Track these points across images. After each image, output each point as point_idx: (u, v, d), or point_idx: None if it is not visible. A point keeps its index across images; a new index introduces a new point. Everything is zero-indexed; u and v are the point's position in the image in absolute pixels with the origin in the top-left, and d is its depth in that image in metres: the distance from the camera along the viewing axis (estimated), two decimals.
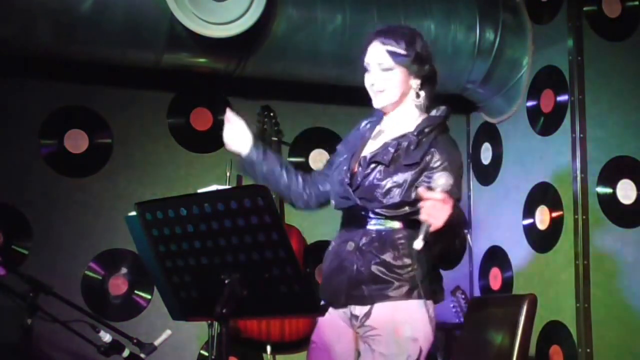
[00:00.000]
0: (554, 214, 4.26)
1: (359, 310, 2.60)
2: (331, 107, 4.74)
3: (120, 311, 4.37)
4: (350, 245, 2.61)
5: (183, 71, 4.36)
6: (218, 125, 4.67)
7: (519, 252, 4.52)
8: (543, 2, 4.44)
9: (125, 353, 2.99)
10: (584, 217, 4.07)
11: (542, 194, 4.37)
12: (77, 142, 4.45)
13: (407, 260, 2.56)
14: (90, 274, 4.39)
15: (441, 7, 4.37)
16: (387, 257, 2.56)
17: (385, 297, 2.55)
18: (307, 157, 4.83)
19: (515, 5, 4.56)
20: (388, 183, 2.56)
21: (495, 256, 4.74)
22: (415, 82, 2.69)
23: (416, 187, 2.52)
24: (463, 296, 4.60)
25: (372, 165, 2.61)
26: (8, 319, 3.21)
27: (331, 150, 4.72)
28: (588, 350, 3.96)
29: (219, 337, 3.66)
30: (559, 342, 4.13)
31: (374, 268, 2.56)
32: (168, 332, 3.18)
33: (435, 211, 2.31)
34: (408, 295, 2.55)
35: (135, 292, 4.44)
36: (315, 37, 4.19)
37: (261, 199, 2.12)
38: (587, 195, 4.10)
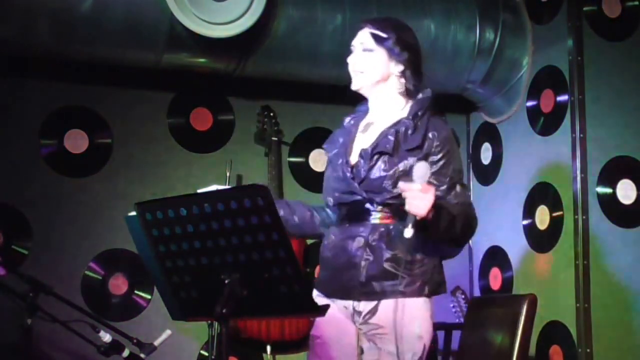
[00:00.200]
0: (554, 214, 4.26)
1: (364, 306, 2.59)
2: (331, 107, 4.73)
3: (120, 311, 4.37)
4: (359, 242, 2.59)
5: (183, 71, 4.36)
6: (218, 125, 4.69)
7: (519, 252, 4.52)
8: (543, 2, 4.44)
9: (125, 353, 2.99)
10: (584, 217, 4.07)
11: (542, 194, 4.37)
12: (77, 142, 4.45)
13: (417, 255, 2.56)
14: (90, 274, 4.39)
15: (441, 7, 4.37)
16: (398, 252, 2.55)
17: (398, 293, 2.54)
18: (307, 157, 4.83)
19: (515, 5, 4.56)
20: (395, 172, 2.56)
21: (495, 256, 4.74)
22: (397, 68, 2.68)
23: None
24: (463, 296, 4.60)
25: (376, 157, 2.61)
26: (8, 319, 3.22)
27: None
28: (588, 350, 3.96)
29: (219, 337, 3.66)
30: (559, 342, 4.13)
31: (385, 264, 2.55)
32: (168, 332, 3.19)
33: (416, 201, 2.36)
34: (419, 291, 2.56)
35: (135, 292, 4.44)
36: (315, 37, 4.19)
37: (261, 199, 2.12)
38: (587, 195, 4.10)
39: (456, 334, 4.17)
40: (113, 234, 4.31)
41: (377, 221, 2.59)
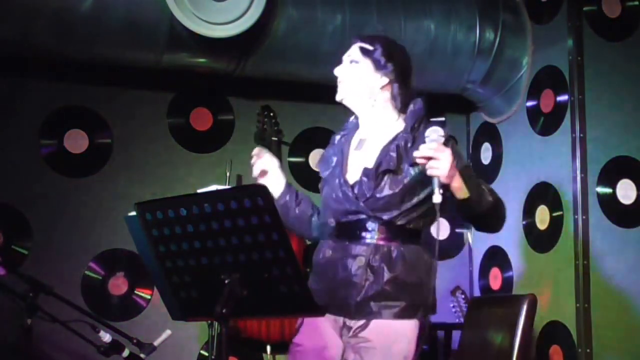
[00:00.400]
0: (554, 214, 4.26)
1: (356, 322, 2.57)
2: (331, 107, 4.71)
3: (120, 311, 4.37)
4: (360, 261, 2.56)
5: (183, 71, 4.36)
6: (218, 125, 4.69)
7: (519, 252, 4.52)
8: (543, 2, 4.44)
9: (125, 353, 2.98)
10: (584, 217, 4.07)
11: (542, 194, 4.37)
12: (77, 142, 4.45)
13: (415, 278, 2.56)
14: (90, 274, 4.39)
15: (441, 7, 4.37)
16: (397, 274, 2.54)
17: (393, 315, 2.52)
18: (307, 157, 4.83)
19: (515, 5, 4.56)
20: (403, 189, 2.55)
21: (495, 256, 4.74)
22: (383, 80, 2.66)
23: (425, 185, 2.52)
24: (463, 296, 4.60)
25: (381, 175, 2.58)
26: (8, 319, 3.21)
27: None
28: (588, 350, 3.96)
29: (219, 337, 3.66)
30: (559, 342, 4.13)
31: (385, 286, 2.53)
32: (168, 332, 3.18)
33: (435, 162, 2.37)
34: (414, 314, 2.55)
35: (135, 292, 4.44)
36: (315, 37, 4.19)
37: (261, 199, 2.12)
38: (587, 195, 4.10)
39: (456, 334, 4.18)
40: (113, 234, 4.31)
41: (375, 241, 2.57)
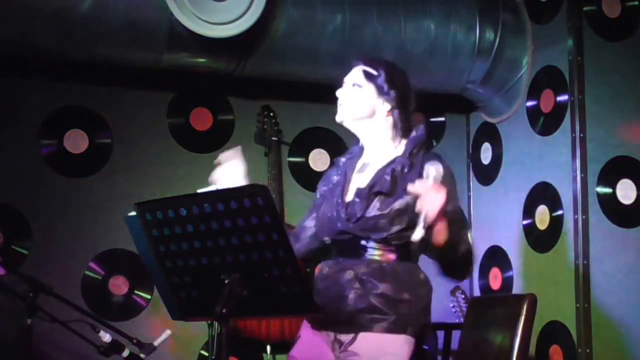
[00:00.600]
0: (554, 214, 4.26)
1: (345, 336, 2.57)
2: (331, 107, 4.72)
3: (120, 311, 4.37)
4: (350, 274, 2.58)
5: (183, 71, 4.36)
6: (218, 125, 4.69)
7: (519, 252, 4.52)
8: (543, 2, 4.44)
9: (125, 353, 2.98)
10: (584, 217, 4.07)
11: (542, 194, 4.37)
12: (77, 142, 4.45)
13: (406, 295, 2.55)
14: (90, 274, 4.39)
15: (441, 7, 4.37)
16: (387, 289, 2.54)
17: (380, 329, 2.52)
18: (307, 157, 4.83)
19: (515, 5, 4.56)
20: (391, 211, 2.54)
21: (495, 256, 4.74)
22: (385, 106, 2.66)
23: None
24: (463, 296, 4.60)
25: (372, 196, 2.59)
26: (8, 319, 3.22)
27: (330, 150, 4.77)
28: (588, 350, 3.96)
29: (219, 337, 3.66)
30: (559, 342, 4.13)
31: (372, 299, 2.53)
32: (168, 332, 3.18)
33: (428, 198, 2.33)
34: (402, 330, 2.53)
35: (135, 292, 4.44)
36: (315, 37, 4.19)
37: (261, 199, 2.12)
38: (587, 195, 4.10)
39: (456, 334, 4.17)
40: (113, 234, 4.31)
41: (371, 257, 2.57)
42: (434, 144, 5.05)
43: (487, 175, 4.89)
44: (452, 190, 2.51)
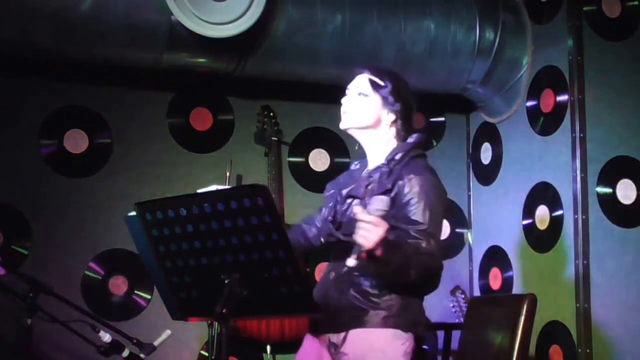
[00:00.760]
0: (554, 214, 4.26)
1: (336, 337, 2.60)
2: (331, 107, 4.72)
3: (120, 311, 4.37)
4: (332, 275, 2.64)
5: (183, 71, 4.36)
6: (218, 125, 4.69)
7: (519, 252, 4.52)
8: (543, 2, 4.44)
9: (125, 353, 2.98)
10: (583, 217, 4.07)
11: (542, 194, 4.37)
12: (76, 142, 4.45)
13: (385, 290, 2.55)
14: (90, 274, 4.39)
15: (441, 7, 4.37)
16: (365, 285, 2.56)
17: (361, 324, 2.54)
18: (306, 157, 4.83)
19: (515, 5, 4.56)
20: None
21: (495, 256, 4.74)
22: (389, 117, 2.70)
23: (392, 217, 2.51)
24: (463, 296, 4.60)
25: (348, 201, 2.64)
26: (8, 319, 3.21)
27: (330, 150, 4.77)
28: (588, 350, 3.96)
29: (219, 337, 3.66)
30: (559, 342, 4.13)
31: (351, 296, 2.56)
32: (168, 332, 3.18)
33: (365, 232, 2.32)
34: (383, 324, 2.53)
35: (135, 292, 4.44)
36: (315, 37, 4.19)
37: (261, 199, 2.12)
38: (587, 195, 4.10)
39: (456, 334, 4.17)
40: (113, 234, 4.31)
41: (361, 258, 2.58)
42: (434, 144, 5.05)
43: (487, 175, 4.89)
44: (428, 198, 2.53)
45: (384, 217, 2.37)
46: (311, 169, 4.80)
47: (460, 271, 4.94)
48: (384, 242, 2.34)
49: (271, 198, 2.14)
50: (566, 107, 4.21)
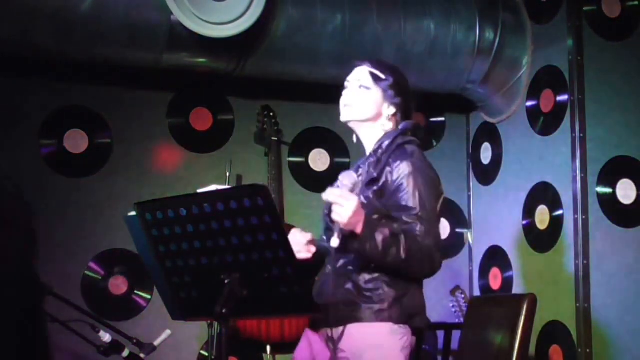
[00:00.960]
0: (554, 214, 4.26)
1: (335, 332, 2.60)
2: (331, 107, 4.72)
3: (120, 311, 4.36)
4: (328, 269, 2.64)
5: (183, 71, 4.36)
6: (218, 125, 4.69)
7: (519, 252, 4.52)
8: (543, 2, 4.44)
9: (125, 353, 2.99)
10: (584, 217, 4.07)
11: (542, 194, 4.37)
12: (76, 142, 4.45)
13: (379, 283, 2.55)
14: (90, 274, 4.39)
15: (441, 7, 4.37)
16: (359, 279, 2.56)
17: (355, 319, 2.54)
18: (306, 157, 4.83)
19: (515, 5, 4.56)
20: None
21: (495, 256, 4.74)
22: (389, 110, 2.70)
23: (388, 206, 2.52)
24: (463, 296, 4.60)
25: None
26: None
27: (330, 150, 4.77)
28: (588, 350, 3.96)
29: (219, 337, 3.66)
30: (559, 342, 4.13)
31: (345, 290, 2.56)
32: (168, 332, 3.19)
33: (337, 208, 2.35)
34: (376, 318, 2.53)
35: (135, 292, 4.44)
36: (315, 37, 4.19)
37: (261, 199, 2.12)
38: (587, 195, 4.10)
39: (456, 334, 4.17)
40: (113, 234, 4.31)
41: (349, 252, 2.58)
42: (434, 144, 5.05)
43: (487, 175, 4.89)
44: (417, 183, 2.51)
45: (369, 205, 2.42)
46: (311, 169, 4.80)
47: (460, 271, 4.94)
48: (365, 220, 2.37)
49: (271, 198, 2.14)
50: (566, 107, 4.21)
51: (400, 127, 2.70)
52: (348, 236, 2.42)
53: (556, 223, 4.24)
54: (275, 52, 4.20)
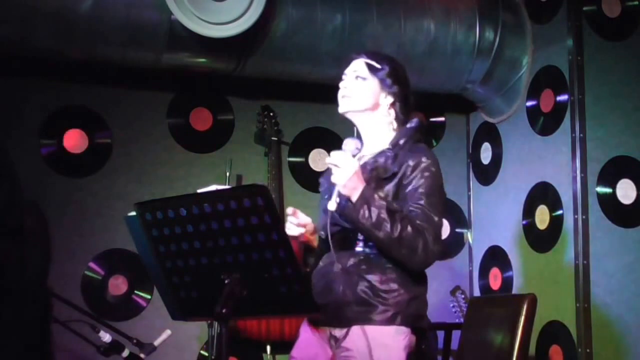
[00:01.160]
0: (554, 214, 4.26)
1: (339, 331, 2.58)
2: (331, 107, 4.71)
3: (120, 311, 4.37)
4: (337, 267, 2.58)
5: (183, 71, 4.36)
6: (218, 125, 4.69)
7: (519, 252, 4.52)
8: (543, 1, 4.44)
9: (125, 353, 2.99)
10: (583, 217, 4.07)
11: (542, 194, 4.37)
12: (76, 142, 4.45)
13: (394, 285, 2.54)
14: (90, 274, 4.39)
15: (441, 7, 4.37)
16: (374, 279, 2.54)
17: (368, 320, 2.52)
18: (306, 157, 4.83)
19: (515, 5, 4.56)
20: None
21: (495, 256, 4.74)
22: (387, 100, 2.70)
23: (400, 198, 2.53)
24: (463, 296, 4.60)
25: None
26: None
27: (330, 149, 4.75)
28: (588, 350, 3.96)
29: (219, 337, 3.66)
30: (559, 342, 4.13)
31: (359, 290, 2.54)
32: (168, 332, 3.19)
33: (337, 169, 2.43)
34: (391, 321, 2.52)
35: (135, 292, 4.44)
36: (315, 37, 4.19)
37: (261, 199, 2.12)
38: (587, 195, 4.10)
39: (456, 334, 4.17)
40: (113, 234, 4.31)
41: (361, 249, 2.58)
42: (434, 144, 5.05)
43: (487, 175, 4.89)
44: (429, 179, 2.55)
45: (372, 178, 2.49)
46: (311, 169, 4.80)
47: (460, 271, 4.94)
48: (363, 189, 2.43)
49: (271, 198, 2.14)
50: (566, 107, 4.21)
51: (413, 124, 2.70)
52: (345, 201, 2.46)
53: (556, 223, 4.24)
54: (275, 52, 4.20)
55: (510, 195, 4.64)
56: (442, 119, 5.12)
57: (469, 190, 5.05)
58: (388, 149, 2.64)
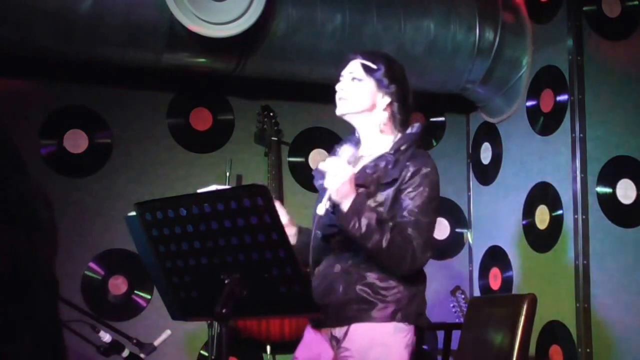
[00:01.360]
0: (554, 214, 4.26)
1: (339, 331, 2.59)
2: (331, 107, 4.71)
3: (120, 311, 4.37)
4: (337, 268, 2.60)
5: (183, 71, 4.36)
6: (218, 125, 4.69)
7: (519, 252, 4.53)
8: (543, 1, 4.44)
9: (125, 353, 2.98)
10: (583, 217, 4.07)
11: (542, 194, 4.37)
12: (76, 142, 4.45)
13: (393, 282, 2.55)
14: (90, 274, 4.39)
15: (441, 7, 4.37)
16: (373, 278, 2.55)
17: (369, 318, 2.53)
18: (306, 157, 4.83)
19: (515, 5, 4.56)
20: (371, 203, 2.54)
21: (495, 256, 4.75)
22: (384, 100, 2.68)
23: (399, 203, 2.53)
24: (463, 296, 4.60)
25: None
26: None
27: (330, 150, 4.76)
28: (588, 350, 3.96)
29: (219, 337, 3.66)
30: (559, 342, 4.13)
31: (359, 289, 2.55)
32: (168, 332, 3.18)
33: (331, 176, 2.43)
34: (391, 318, 2.53)
35: (135, 292, 4.44)
36: (315, 37, 4.19)
37: (261, 199, 2.12)
38: (587, 195, 4.10)
39: (456, 334, 4.17)
40: (113, 234, 4.31)
41: (360, 249, 2.57)
42: (434, 144, 5.05)
43: (487, 175, 4.89)
44: (426, 189, 2.54)
45: (385, 202, 2.49)
46: (311, 168, 4.80)
47: (460, 271, 4.95)
48: (355, 199, 2.43)
49: (271, 198, 2.14)
50: (566, 107, 4.21)
51: (415, 130, 2.69)
52: (335, 208, 2.47)
53: (556, 223, 4.24)
54: (275, 52, 4.20)
55: (510, 195, 4.64)
56: (442, 119, 5.12)
57: (468, 190, 5.05)
58: (389, 153, 2.63)
